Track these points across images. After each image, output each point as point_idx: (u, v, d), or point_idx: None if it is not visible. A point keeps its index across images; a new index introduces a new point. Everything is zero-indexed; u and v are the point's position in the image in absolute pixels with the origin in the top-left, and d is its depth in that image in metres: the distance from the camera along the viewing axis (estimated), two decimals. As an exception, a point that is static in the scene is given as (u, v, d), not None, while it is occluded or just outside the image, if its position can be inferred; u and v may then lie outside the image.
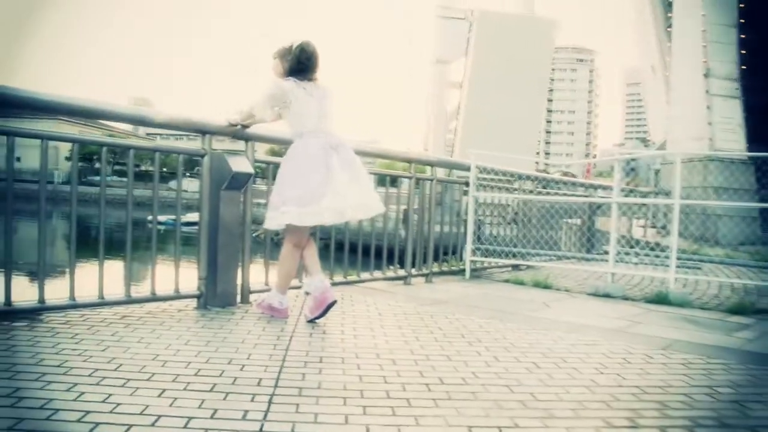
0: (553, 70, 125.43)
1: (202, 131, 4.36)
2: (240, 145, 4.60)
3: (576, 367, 3.22)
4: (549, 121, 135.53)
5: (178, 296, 4.32)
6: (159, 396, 2.47)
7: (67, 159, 70.25)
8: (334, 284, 5.42)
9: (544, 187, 9.29)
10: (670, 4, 24.54)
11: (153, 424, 2.18)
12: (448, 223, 7.27)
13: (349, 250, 5.59)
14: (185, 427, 2.17)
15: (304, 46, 4.05)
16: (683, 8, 21.17)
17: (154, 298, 4.20)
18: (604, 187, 10.80)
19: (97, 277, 3.96)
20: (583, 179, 17.48)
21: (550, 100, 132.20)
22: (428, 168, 6.73)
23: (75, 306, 3.86)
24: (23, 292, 3.77)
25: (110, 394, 2.45)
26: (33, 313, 3.68)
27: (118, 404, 2.35)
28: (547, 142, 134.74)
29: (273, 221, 3.99)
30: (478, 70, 39.55)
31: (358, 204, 4.00)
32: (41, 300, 3.70)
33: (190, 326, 3.77)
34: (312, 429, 2.21)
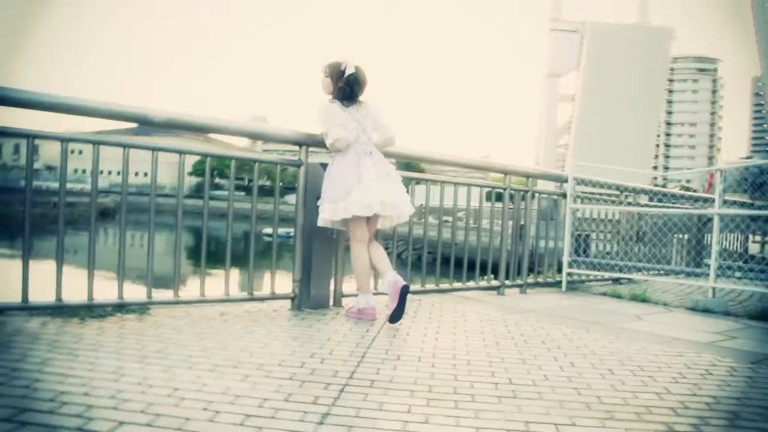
0: (672, 81, 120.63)
1: (299, 143, 4.63)
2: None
3: (652, 376, 3.20)
4: (669, 134, 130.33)
5: (273, 297, 4.60)
6: (241, 381, 2.69)
7: (190, 174, 74.55)
8: (425, 292, 5.58)
9: (651, 200, 9.10)
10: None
11: (232, 402, 2.40)
12: (555, 238, 7.24)
13: (442, 262, 5.73)
14: (260, 406, 2.38)
15: (357, 75, 4.44)
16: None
17: (251, 298, 4.50)
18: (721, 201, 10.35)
19: (200, 278, 4.29)
20: (704, 194, 16.70)
21: (669, 113, 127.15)
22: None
23: (178, 302, 4.20)
24: (134, 291, 4.15)
25: (199, 376, 2.70)
26: (143, 307, 4.04)
27: (204, 384, 2.59)
28: (667, 156, 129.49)
29: (318, 220, 4.43)
30: (591, 82, 38.70)
31: (386, 201, 4.31)
32: (149, 296, 4.05)
33: (282, 324, 4.02)
34: (375, 415, 2.36)
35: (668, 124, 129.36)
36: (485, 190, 6.27)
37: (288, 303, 4.64)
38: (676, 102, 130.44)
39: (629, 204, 8.08)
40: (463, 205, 5.87)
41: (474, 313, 4.87)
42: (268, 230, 4.80)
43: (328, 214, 4.35)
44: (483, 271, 6.16)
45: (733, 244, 11.41)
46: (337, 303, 4.80)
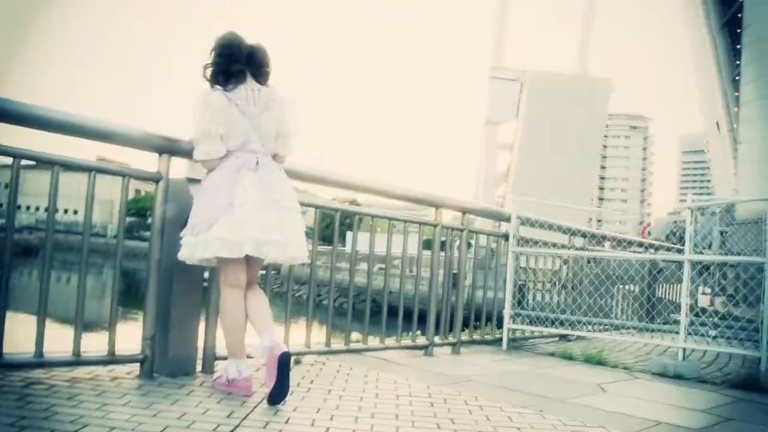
0: (606, 137, 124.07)
1: (160, 149, 3.42)
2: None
3: (651, 501, 2.07)
4: (602, 188, 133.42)
5: (112, 360, 3.30)
6: None
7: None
8: (331, 353, 4.37)
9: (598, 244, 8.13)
10: (737, 51, 23.09)
11: None
12: (492, 288, 6.16)
13: (360, 311, 4.58)
14: None
15: (231, 40, 3.23)
16: (752, 52, 19.66)
17: (76, 361, 3.19)
18: (666, 248, 9.51)
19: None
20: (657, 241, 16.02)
21: (603, 167, 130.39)
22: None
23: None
24: None
25: None
26: None
27: None
28: (599, 208, 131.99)
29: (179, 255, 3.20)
30: (529, 131, 38.50)
31: (263, 240, 3.06)
32: None
33: (107, 403, 2.74)
34: None
35: (602, 178, 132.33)
36: (411, 226, 5.11)
37: (137, 368, 3.37)
38: (609, 157, 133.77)
39: (575, 249, 7.06)
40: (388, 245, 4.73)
41: (390, 384, 3.66)
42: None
43: (186, 252, 3.13)
44: (408, 326, 5.00)
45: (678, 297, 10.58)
46: (208, 368, 3.54)
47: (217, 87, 3.18)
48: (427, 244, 5.38)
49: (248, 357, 3.23)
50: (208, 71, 3.23)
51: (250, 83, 3.21)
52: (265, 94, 3.22)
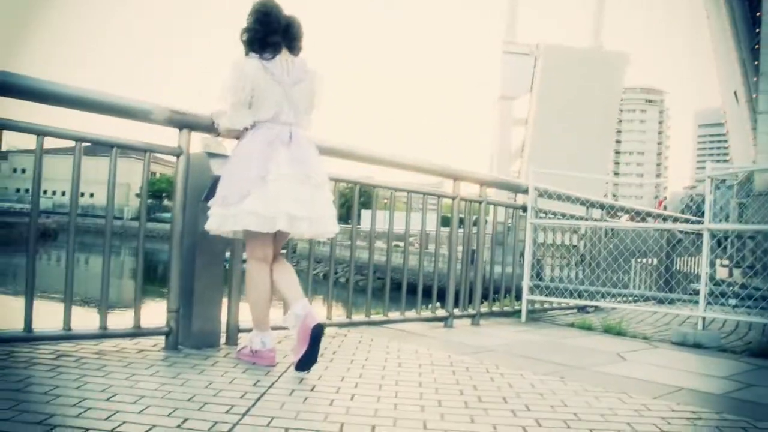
0: (621, 111, 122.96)
1: (180, 124, 3.44)
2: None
3: (675, 461, 2.09)
4: (617, 163, 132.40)
5: (138, 333, 3.36)
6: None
7: (137, 195, 72.09)
8: (352, 324, 4.41)
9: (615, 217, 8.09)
10: (756, 19, 22.62)
11: None
12: (510, 263, 6.16)
13: (378, 288, 4.62)
14: None
15: (270, 6, 3.19)
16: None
17: (104, 334, 3.25)
18: (684, 220, 9.44)
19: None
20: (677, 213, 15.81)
21: (618, 142, 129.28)
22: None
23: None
24: None
25: None
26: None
27: None
28: (615, 185, 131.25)
29: (206, 225, 3.21)
30: (543, 106, 38.27)
31: (298, 215, 3.06)
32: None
33: (135, 373, 2.80)
34: None
35: (617, 153, 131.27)
36: (429, 203, 5.12)
37: (163, 341, 3.43)
38: (625, 132, 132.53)
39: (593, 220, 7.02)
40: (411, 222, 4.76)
41: (412, 354, 3.71)
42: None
43: (214, 223, 3.13)
44: (427, 302, 5.03)
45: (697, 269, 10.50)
46: (231, 340, 3.59)
47: (253, 54, 3.18)
48: (445, 222, 5.39)
49: (274, 329, 3.27)
50: (245, 36, 3.20)
51: (284, 54, 3.20)
52: (298, 66, 3.22)
